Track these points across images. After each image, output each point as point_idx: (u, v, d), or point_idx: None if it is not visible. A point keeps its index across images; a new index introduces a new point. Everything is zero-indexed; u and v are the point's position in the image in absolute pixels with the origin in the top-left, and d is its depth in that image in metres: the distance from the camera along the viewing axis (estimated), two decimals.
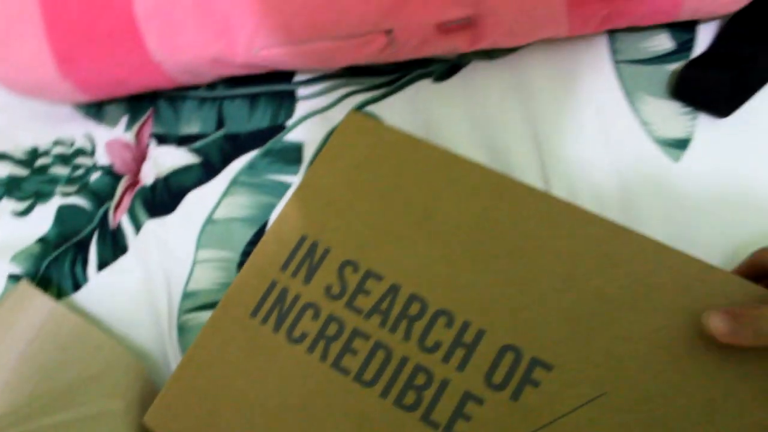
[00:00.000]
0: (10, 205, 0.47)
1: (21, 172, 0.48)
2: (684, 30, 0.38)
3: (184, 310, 0.39)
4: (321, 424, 0.30)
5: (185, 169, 0.44)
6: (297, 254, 0.33)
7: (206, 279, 0.40)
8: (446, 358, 0.29)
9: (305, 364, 0.31)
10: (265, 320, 0.32)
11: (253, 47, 0.39)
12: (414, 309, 0.31)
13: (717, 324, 0.26)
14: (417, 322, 0.30)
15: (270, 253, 0.34)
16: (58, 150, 0.48)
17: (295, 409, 0.31)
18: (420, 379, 0.30)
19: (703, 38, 0.38)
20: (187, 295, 0.40)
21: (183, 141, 0.45)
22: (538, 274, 0.30)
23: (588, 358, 0.28)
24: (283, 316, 0.32)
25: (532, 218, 0.31)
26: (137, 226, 0.43)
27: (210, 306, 0.39)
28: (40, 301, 0.41)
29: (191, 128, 0.45)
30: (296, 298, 0.32)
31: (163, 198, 0.43)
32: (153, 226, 0.42)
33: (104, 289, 0.42)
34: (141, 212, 0.43)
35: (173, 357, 0.38)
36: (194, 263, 0.40)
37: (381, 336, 0.31)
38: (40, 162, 0.48)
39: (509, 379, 0.28)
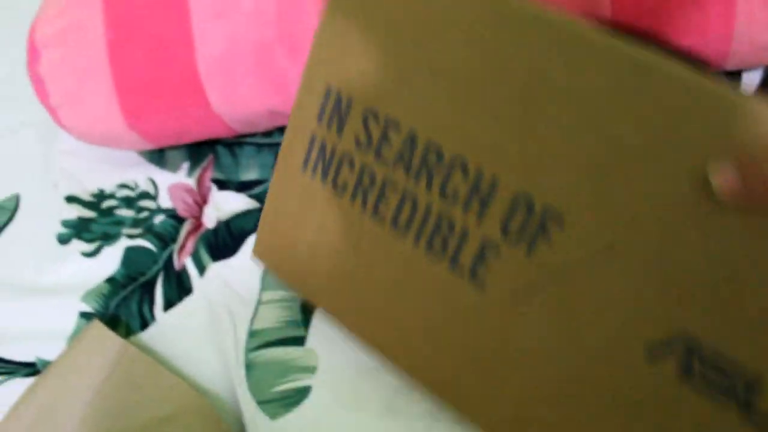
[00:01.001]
0: (79, 246, 0.50)
1: (89, 213, 0.51)
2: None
3: (250, 348, 0.42)
4: (369, 269, 0.33)
5: (245, 214, 0.46)
6: (327, 106, 0.34)
7: (271, 318, 0.43)
8: (465, 207, 0.30)
9: (349, 214, 0.33)
10: (314, 172, 0.34)
11: None
12: (431, 157, 0.31)
13: (720, 178, 0.21)
14: (435, 170, 0.30)
15: (305, 106, 0.34)
16: (122, 193, 0.51)
17: (346, 253, 0.33)
18: (444, 228, 0.31)
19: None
20: (252, 334, 0.42)
21: (242, 186, 0.47)
22: (551, 116, 0.27)
23: (600, 210, 0.26)
24: (326, 168, 0.34)
25: (547, 52, 0.27)
26: (201, 269, 0.46)
27: (275, 343, 0.42)
28: (112, 342, 0.44)
29: (250, 174, 0.48)
30: (333, 149, 0.33)
31: (225, 241, 0.46)
32: (217, 268, 0.45)
33: (171, 329, 0.45)
34: (205, 255, 0.46)
35: (242, 394, 0.41)
36: (259, 303, 0.43)
37: (407, 185, 0.31)
38: (106, 204, 0.51)
39: (524, 229, 0.28)
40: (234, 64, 0.43)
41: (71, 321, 0.47)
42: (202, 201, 0.48)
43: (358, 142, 0.33)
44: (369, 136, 0.32)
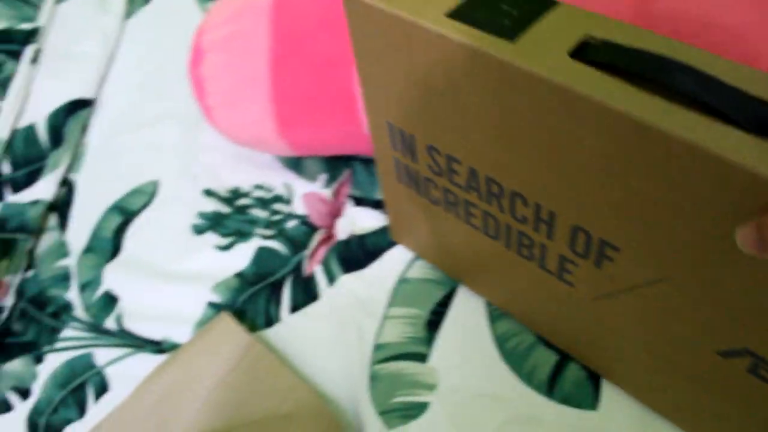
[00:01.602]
0: (214, 239, 0.52)
1: (224, 209, 0.53)
2: None
3: (375, 361, 0.44)
4: (484, 260, 0.39)
5: (381, 231, 0.48)
6: (395, 138, 0.37)
7: (396, 333, 0.45)
8: (536, 229, 0.33)
9: (450, 220, 0.39)
10: (408, 186, 0.39)
11: None
12: (494, 188, 0.34)
13: (744, 236, 0.22)
14: (500, 198, 0.34)
15: (379, 136, 0.39)
16: (258, 194, 0.53)
17: (461, 245, 0.40)
18: (525, 241, 0.35)
19: None
20: (378, 347, 0.44)
21: (377, 205, 0.49)
22: (582, 168, 0.28)
23: (647, 248, 0.28)
24: (417, 186, 0.39)
25: (564, 117, 0.27)
26: (331, 278, 0.48)
27: (399, 357, 0.44)
28: (240, 336, 0.47)
29: None
30: (416, 172, 0.38)
31: (357, 255, 0.48)
32: (348, 280, 0.47)
33: (295, 331, 0.47)
34: (335, 266, 0.48)
35: (363, 403, 0.43)
36: (385, 318, 0.45)
37: (483, 206, 0.35)
38: (241, 202, 0.53)
39: (588, 251, 0.31)
40: None
41: (200, 308, 0.50)
42: (336, 213, 0.51)
43: (432, 169, 0.36)
44: (438, 166, 0.36)
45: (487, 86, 0.28)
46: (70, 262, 0.55)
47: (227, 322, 0.48)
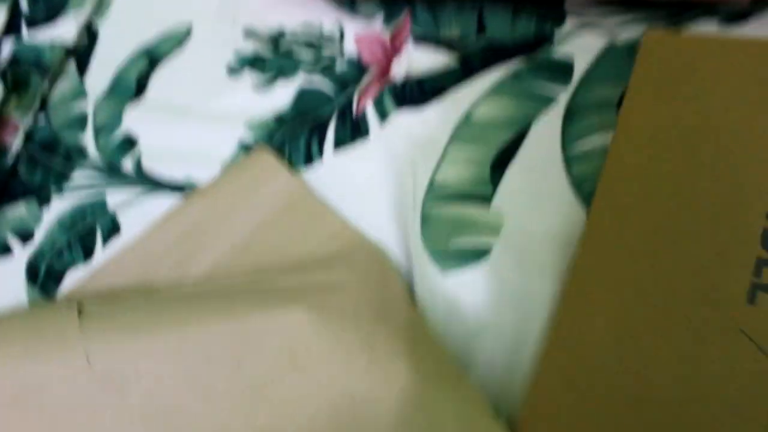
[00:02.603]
0: (251, 78, 0.47)
1: (265, 50, 0.48)
2: None
3: (430, 199, 0.38)
4: None
5: (442, 70, 0.42)
6: None
7: (456, 173, 0.39)
8: None
9: None
10: None
11: None
12: None
13: None
14: None
15: None
16: (304, 33, 0.48)
17: None
18: None
19: None
20: (434, 185, 0.38)
21: (442, 43, 0.43)
22: None
23: None
24: None
25: None
26: (383, 115, 0.42)
27: (458, 198, 0.38)
28: (280, 173, 0.41)
29: (451, 31, 0.44)
30: None
31: (414, 94, 0.42)
32: (402, 118, 0.41)
33: (339, 170, 0.42)
34: (389, 104, 0.42)
35: (414, 244, 0.37)
36: (444, 156, 0.39)
37: None
38: (285, 42, 0.48)
39: None
40: None
41: (230, 149, 0.44)
42: (392, 53, 0.45)
43: None
44: None
45: None
46: (87, 104, 0.50)
47: (265, 158, 0.42)
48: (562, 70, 0.40)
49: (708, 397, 0.25)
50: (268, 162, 0.41)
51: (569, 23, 0.42)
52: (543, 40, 0.41)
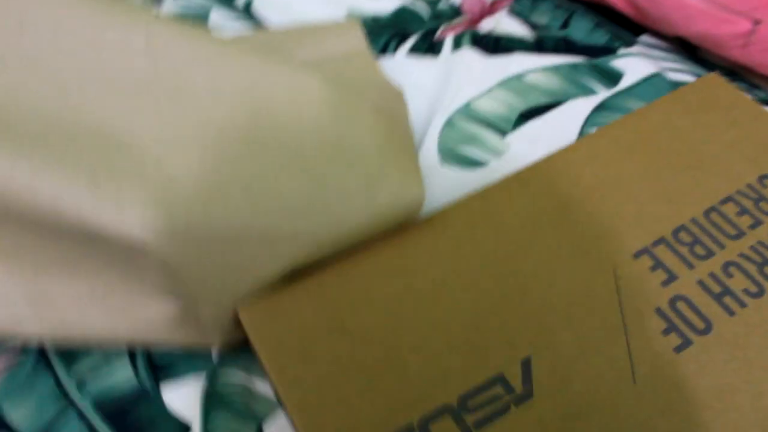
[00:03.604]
0: None
1: None
2: None
3: (458, 113, 0.45)
4: None
5: (518, 38, 0.50)
6: None
7: (488, 106, 0.45)
8: None
9: None
10: None
11: None
12: None
13: None
14: None
15: None
16: None
17: None
18: None
19: None
20: (467, 107, 0.45)
21: (528, 23, 0.51)
22: None
23: None
24: None
25: None
26: (456, 47, 0.49)
27: (482, 122, 0.44)
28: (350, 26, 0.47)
29: (540, 18, 0.51)
30: None
31: (488, 44, 0.49)
32: (469, 54, 0.48)
33: (403, 67, 0.48)
34: (466, 42, 0.49)
35: (431, 139, 0.43)
36: (487, 92, 0.46)
37: None
38: None
39: None
40: None
41: (326, 20, 0.52)
42: (488, 12, 0.52)
43: None
44: None
45: None
46: None
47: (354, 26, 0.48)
48: (612, 77, 0.47)
49: None
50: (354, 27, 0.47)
51: (634, 48, 0.49)
52: (608, 51, 0.48)
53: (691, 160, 0.36)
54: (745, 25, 0.43)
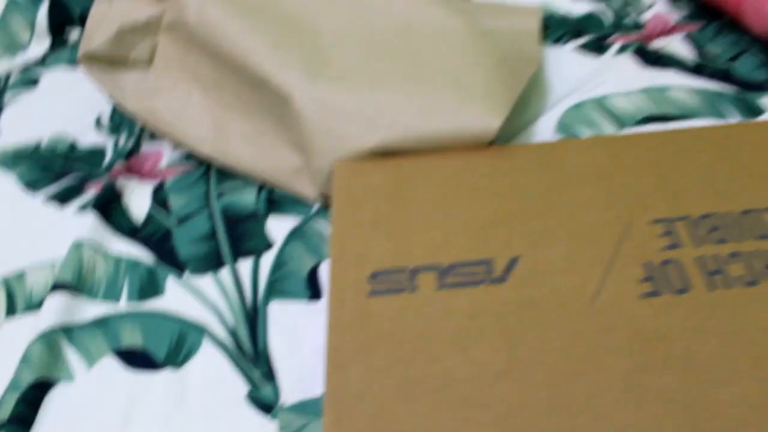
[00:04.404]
0: None
1: None
2: None
3: (590, 101, 0.51)
4: None
5: (681, 60, 0.54)
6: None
7: (621, 104, 0.50)
8: None
9: None
10: None
11: None
12: None
13: None
14: None
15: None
16: None
17: None
18: None
19: None
20: (601, 99, 0.51)
21: (701, 50, 0.55)
22: None
23: None
24: None
25: None
26: (621, 52, 0.55)
27: (609, 113, 0.49)
28: None
29: (715, 49, 0.55)
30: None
31: (648, 57, 0.54)
32: (627, 61, 0.54)
33: (567, 58, 0.55)
34: (631, 50, 0.55)
35: (552, 114, 0.50)
36: (627, 93, 0.51)
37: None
38: None
39: None
40: None
41: None
42: (665, 31, 0.56)
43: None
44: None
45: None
46: None
47: None
48: (753, 110, 0.49)
49: None
50: None
51: None
52: (763, 88, 0.50)
53: (756, 170, 0.39)
54: None
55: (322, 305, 0.41)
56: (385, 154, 0.42)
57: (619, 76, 0.53)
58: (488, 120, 0.41)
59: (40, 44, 0.66)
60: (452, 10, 0.48)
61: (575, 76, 0.54)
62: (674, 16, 0.59)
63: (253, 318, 0.41)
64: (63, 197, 0.50)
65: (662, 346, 0.32)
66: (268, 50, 0.45)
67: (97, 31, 0.52)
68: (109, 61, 0.53)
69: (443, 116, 0.42)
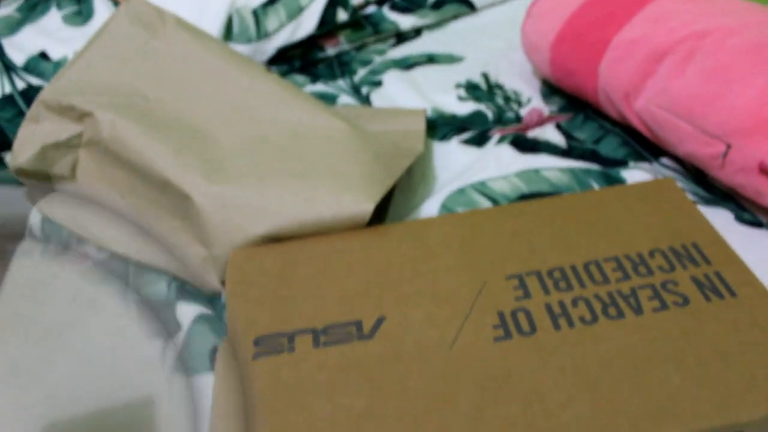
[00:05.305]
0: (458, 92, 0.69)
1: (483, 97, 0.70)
2: None
3: (471, 186, 0.56)
4: None
5: (554, 146, 0.60)
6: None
7: (498, 186, 0.56)
8: None
9: None
10: None
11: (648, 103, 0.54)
12: None
13: None
14: None
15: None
16: (508, 93, 0.69)
17: None
18: None
19: None
20: (481, 184, 0.56)
21: (569, 136, 0.61)
22: None
23: None
24: None
25: None
26: (500, 142, 0.61)
27: (487, 195, 0.55)
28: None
29: (581, 134, 0.61)
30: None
31: (524, 145, 0.60)
32: (505, 149, 0.60)
33: (452, 151, 0.61)
34: (509, 140, 0.61)
35: (437, 197, 0.56)
36: (503, 177, 0.57)
37: None
38: (496, 93, 0.69)
39: None
40: None
41: None
42: (537, 124, 0.63)
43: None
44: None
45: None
46: None
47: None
48: (615, 182, 0.55)
49: None
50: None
51: (646, 165, 0.56)
52: (622, 163, 0.57)
53: (600, 228, 0.44)
54: (720, 148, 0.49)
55: None
56: (278, 239, 0.47)
57: (497, 162, 0.59)
58: (363, 205, 0.46)
59: None
60: (335, 116, 0.55)
61: (459, 165, 0.60)
62: (548, 108, 0.66)
63: None
64: None
65: (510, 381, 0.35)
66: (171, 157, 0.50)
67: (22, 149, 0.57)
68: (38, 176, 0.57)
69: (323, 204, 0.47)
